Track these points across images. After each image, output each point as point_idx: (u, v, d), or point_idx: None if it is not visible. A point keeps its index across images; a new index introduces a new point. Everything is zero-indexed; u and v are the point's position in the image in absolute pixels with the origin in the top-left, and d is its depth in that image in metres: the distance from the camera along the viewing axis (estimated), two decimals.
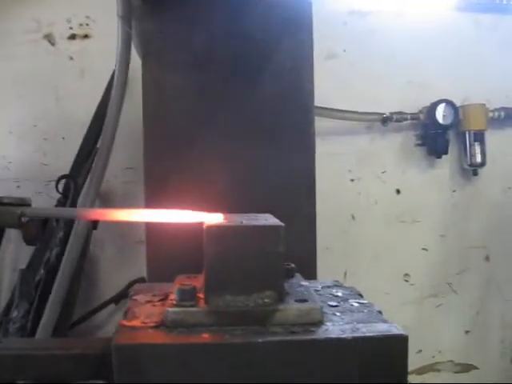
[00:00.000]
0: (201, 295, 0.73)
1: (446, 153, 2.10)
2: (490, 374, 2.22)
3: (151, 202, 1.20)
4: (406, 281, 2.20)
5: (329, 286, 0.91)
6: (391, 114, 2.09)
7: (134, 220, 0.77)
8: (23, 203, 0.84)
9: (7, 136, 2.01)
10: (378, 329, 0.69)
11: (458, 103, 2.08)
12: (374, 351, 0.67)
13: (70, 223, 1.77)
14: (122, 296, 2.04)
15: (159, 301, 0.81)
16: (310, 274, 1.30)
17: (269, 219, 0.78)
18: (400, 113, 2.10)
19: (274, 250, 0.72)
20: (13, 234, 2.02)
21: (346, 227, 2.17)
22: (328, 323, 0.71)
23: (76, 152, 1.94)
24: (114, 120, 1.62)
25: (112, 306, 2.05)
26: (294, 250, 1.10)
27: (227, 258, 0.72)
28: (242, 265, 0.72)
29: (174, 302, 0.71)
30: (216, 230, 0.72)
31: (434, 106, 2.06)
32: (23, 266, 1.90)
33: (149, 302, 0.81)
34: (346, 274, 2.16)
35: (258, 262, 0.72)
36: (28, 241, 1.96)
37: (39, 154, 2.03)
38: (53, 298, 1.62)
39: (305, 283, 0.84)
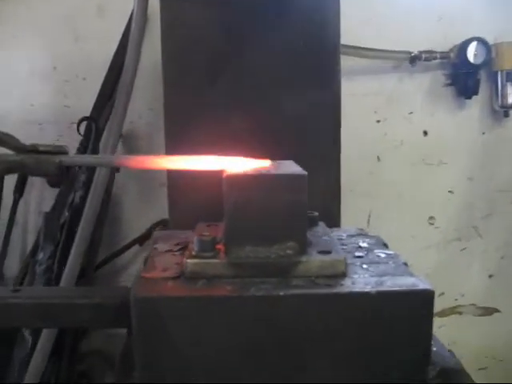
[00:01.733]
0: (220, 246, 0.71)
1: (476, 93, 2.02)
2: None
3: (171, 144, 1.19)
4: (431, 224, 2.17)
5: (353, 235, 0.89)
6: (420, 52, 2.00)
7: (173, 168, 0.76)
8: (60, 151, 0.82)
9: (28, 78, 1.98)
10: (404, 283, 0.67)
11: (490, 41, 1.99)
12: (399, 305, 0.65)
13: (91, 168, 1.77)
14: (145, 237, 2.06)
15: (179, 250, 0.80)
16: (334, 222, 1.29)
17: (291, 167, 0.76)
18: (429, 51, 2.01)
19: (297, 199, 0.70)
20: (36, 178, 2.03)
21: (370, 169, 2.13)
22: (353, 275, 0.70)
23: (97, 93, 1.92)
24: (134, 58, 1.59)
25: (136, 247, 2.07)
26: (318, 197, 1.08)
27: (248, 209, 0.70)
28: (263, 215, 0.70)
29: (194, 253, 0.70)
30: (236, 180, 0.70)
31: (466, 44, 1.96)
32: (47, 208, 1.92)
33: (168, 251, 0.80)
34: (369, 216, 2.14)
35: (280, 213, 0.70)
36: (52, 183, 1.97)
37: (60, 96, 2.01)
38: (77, 242, 1.63)
39: (328, 232, 0.82)
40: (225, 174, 0.70)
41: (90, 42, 1.97)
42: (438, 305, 2.21)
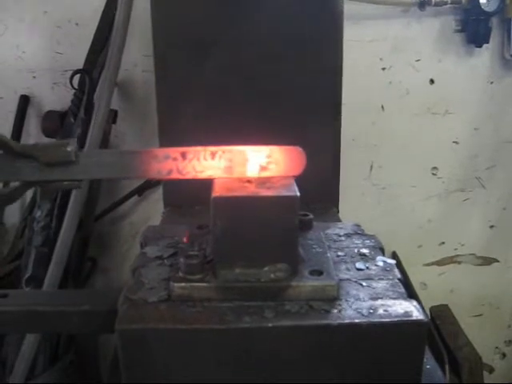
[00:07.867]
0: (210, 265, 0.69)
1: (487, 42, 1.93)
2: (511, 268, 2.22)
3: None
4: (434, 174, 2.14)
5: (350, 234, 0.86)
6: None
7: None
8: None
9: (18, 24, 1.89)
10: (397, 311, 0.65)
11: None
12: (389, 336, 0.64)
13: (86, 121, 1.73)
14: (144, 187, 2.04)
15: (169, 257, 0.78)
16: (332, 198, 1.27)
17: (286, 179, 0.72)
18: None
19: (288, 221, 0.67)
20: (32, 127, 1.99)
21: (374, 118, 2.07)
22: (346, 297, 0.68)
23: (91, 39, 1.84)
24: (126, 9, 1.53)
25: (135, 197, 2.06)
26: (315, 173, 1.05)
27: (237, 231, 0.67)
28: (253, 237, 0.67)
29: (181, 275, 0.68)
30: (224, 201, 0.66)
31: None
32: None
33: (158, 257, 0.78)
34: (372, 167, 2.11)
35: (271, 234, 0.67)
36: (47, 134, 1.93)
37: (53, 43, 1.93)
38: (73, 199, 1.62)
39: (322, 239, 0.79)
40: (212, 196, 0.66)
41: None
42: (438, 254, 2.22)
